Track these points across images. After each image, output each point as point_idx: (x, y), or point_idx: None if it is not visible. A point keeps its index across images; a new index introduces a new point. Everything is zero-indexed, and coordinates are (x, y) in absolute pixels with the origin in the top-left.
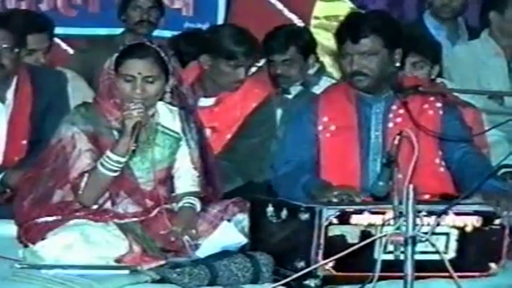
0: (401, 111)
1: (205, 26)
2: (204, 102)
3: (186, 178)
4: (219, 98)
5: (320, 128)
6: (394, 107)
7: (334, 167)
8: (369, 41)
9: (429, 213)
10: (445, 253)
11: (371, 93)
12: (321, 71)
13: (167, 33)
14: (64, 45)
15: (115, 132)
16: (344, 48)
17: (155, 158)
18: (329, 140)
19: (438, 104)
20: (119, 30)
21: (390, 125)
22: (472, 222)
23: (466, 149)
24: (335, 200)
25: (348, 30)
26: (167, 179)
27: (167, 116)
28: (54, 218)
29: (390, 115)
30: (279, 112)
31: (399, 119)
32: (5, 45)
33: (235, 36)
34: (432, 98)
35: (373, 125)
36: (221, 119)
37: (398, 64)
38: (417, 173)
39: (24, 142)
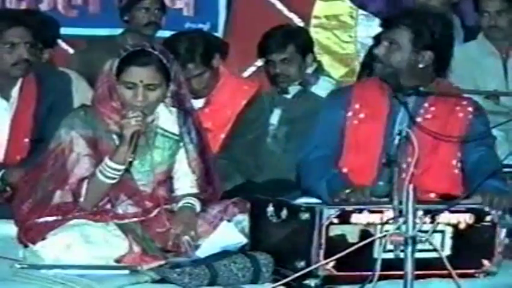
0: (433, 108)
1: (206, 26)
2: (194, 104)
3: (186, 180)
4: (208, 99)
5: (350, 114)
6: (426, 104)
7: (356, 154)
8: (398, 31)
9: (426, 212)
10: (441, 251)
11: (402, 91)
12: (319, 70)
13: (168, 34)
14: (64, 45)
15: (115, 136)
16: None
17: (155, 161)
18: (356, 127)
19: (470, 109)
20: (119, 31)
21: (418, 119)
22: (464, 220)
23: (482, 153)
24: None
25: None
26: (167, 180)
27: (167, 118)
28: (54, 218)
29: (421, 111)
30: (277, 112)
31: (428, 115)
32: (28, 41)
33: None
34: (465, 102)
35: (400, 117)
36: (213, 120)
37: (421, 66)
38: (431, 171)
39: (27, 141)
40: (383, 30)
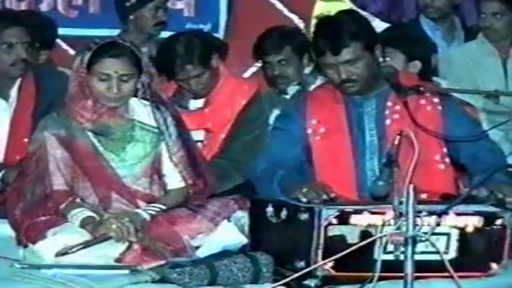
0: (397, 107)
1: (206, 27)
2: (193, 104)
3: (174, 174)
4: (208, 99)
5: (309, 131)
6: (389, 104)
7: (328, 170)
8: (350, 49)
9: (430, 214)
10: (446, 253)
11: (361, 94)
12: (317, 69)
13: (168, 34)
14: (64, 46)
15: (89, 134)
16: (326, 59)
17: (138, 154)
18: (319, 143)
19: (436, 100)
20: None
21: (388, 122)
22: (472, 223)
23: (478, 145)
24: (303, 198)
25: (326, 42)
26: (159, 179)
27: (142, 111)
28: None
29: (386, 112)
30: (276, 112)
31: (396, 116)
32: (26, 41)
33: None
34: (427, 94)
35: (367, 124)
36: (213, 120)
37: (380, 59)
38: (415, 171)
39: (26, 141)
40: (325, 57)
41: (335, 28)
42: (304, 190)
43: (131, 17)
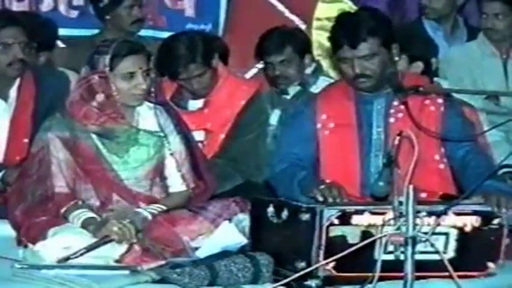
0: (402, 106)
1: (207, 27)
2: (193, 104)
3: (176, 178)
4: (207, 99)
5: (319, 125)
6: (395, 103)
7: (333, 165)
8: (368, 44)
9: (430, 214)
10: (445, 253)
11: (372, 91)
12: (318, 70)
13: (169, 35)
14: (63, 46)
15: (93, 136)
16: (342, 53)
17: (142, 158)
18: (327, 138)
19: (440, 100)
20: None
21: (392, 120)
22: (471, 222)
23: (468, 148)
24: (319, 196)
25: (345, 35)
26: (160, 181)
27: (147, 114)
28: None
29: (392, 110)
30: (277, 113)
31: (400, 114)
32: (23, 41)
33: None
34: (433, 95)
35: (375, 121)
36: (212, 120)
37: (396, 58)
38: (415, 170)
39: (26, 141)
40: (342, 50)
41: (354, 22)
42: (322, 187)
43: (108, 16)
